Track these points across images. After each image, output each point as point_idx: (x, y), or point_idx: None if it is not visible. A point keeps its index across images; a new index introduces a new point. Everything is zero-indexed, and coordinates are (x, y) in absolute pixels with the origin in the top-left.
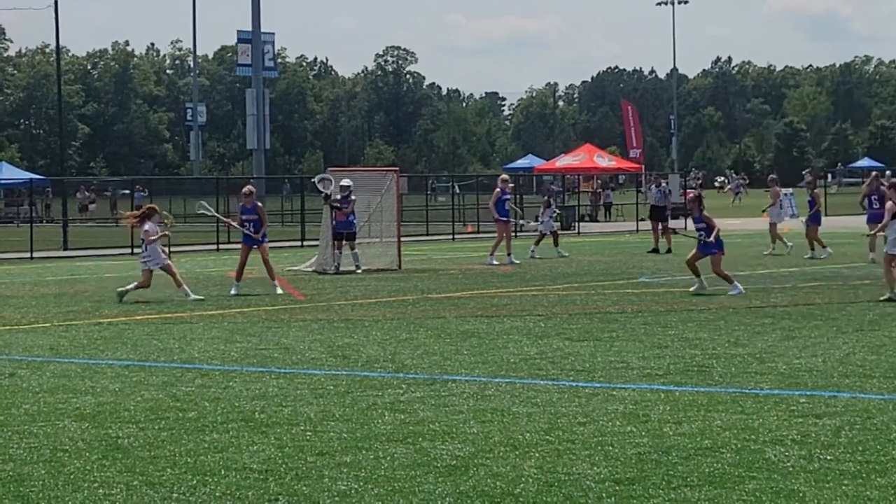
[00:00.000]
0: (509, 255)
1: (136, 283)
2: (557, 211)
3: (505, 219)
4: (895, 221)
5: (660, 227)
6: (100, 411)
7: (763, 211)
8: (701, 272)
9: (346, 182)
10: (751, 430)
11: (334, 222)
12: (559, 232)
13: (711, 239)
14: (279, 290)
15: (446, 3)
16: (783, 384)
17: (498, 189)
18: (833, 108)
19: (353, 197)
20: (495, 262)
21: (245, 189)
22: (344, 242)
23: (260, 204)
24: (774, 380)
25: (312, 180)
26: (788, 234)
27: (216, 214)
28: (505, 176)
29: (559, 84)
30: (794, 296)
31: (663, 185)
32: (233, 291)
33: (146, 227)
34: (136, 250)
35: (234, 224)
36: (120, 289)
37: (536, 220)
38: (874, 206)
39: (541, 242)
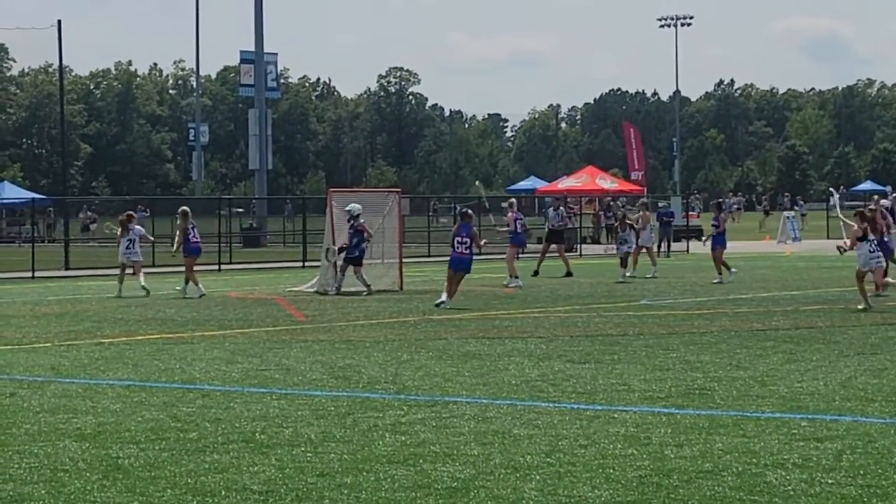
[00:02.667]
0: (516, 277)
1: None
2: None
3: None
4: (862, 244)
5: (552, 248)
6: (100, 431)
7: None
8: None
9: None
10: (752, 454)
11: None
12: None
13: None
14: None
15: (447, 22)
16: (785, 407)
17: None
18: (835, 131)
19: (361, 220)
20: (516, 284)
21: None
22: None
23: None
24: (776, 403)
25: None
26: (790, 258)
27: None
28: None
29: (561, 106)
30: (796, 319)
31: (561, 208)
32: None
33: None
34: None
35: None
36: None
37: (621, 242)
38: None
39: (637, 260)
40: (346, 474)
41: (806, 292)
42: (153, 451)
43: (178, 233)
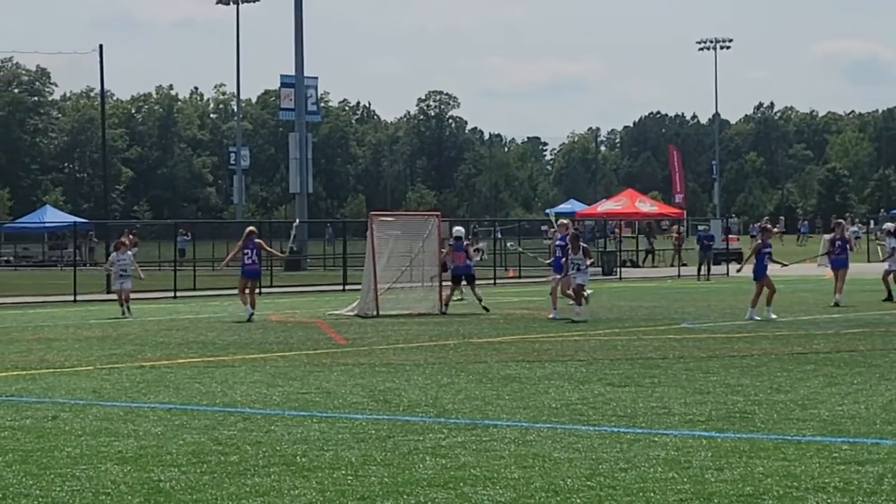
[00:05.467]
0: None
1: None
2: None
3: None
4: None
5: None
6: (142, 454)
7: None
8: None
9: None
10: (793, 477)
11: (452, 266)
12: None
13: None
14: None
15: (486, 47)
16: (826, 431)
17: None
18: (876, 153)
19: (465, 242)
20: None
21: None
22: (464, 283)
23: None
24: (817, 426)
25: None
26: (830, 281)
27: None
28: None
29: (601, 129)
30: (837, 342)
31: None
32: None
33: (111, 256)
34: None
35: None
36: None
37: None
38: (838, 253)
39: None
40: (387, 498)
41: (847, 315)
42: (194, 475)
43: (233, 250)
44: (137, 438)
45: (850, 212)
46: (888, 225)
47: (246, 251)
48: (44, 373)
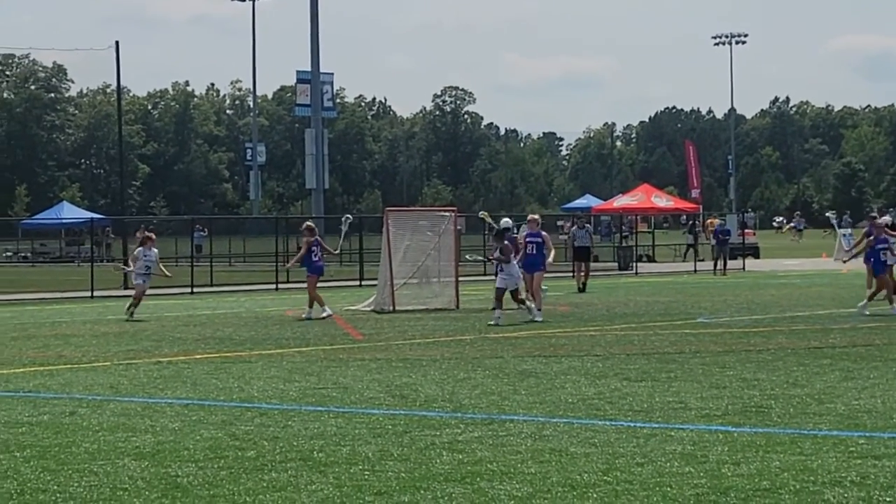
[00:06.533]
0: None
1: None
2: None
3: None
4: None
5: (582, 266)
6: (159, 450)
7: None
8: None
9: (507, 222)
10: (809, 472)
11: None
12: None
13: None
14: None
15: (501, 42)
16: (842, 425)
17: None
18: (891, 148)
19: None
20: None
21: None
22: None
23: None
24: (833, 421)
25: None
26: (847, 275)
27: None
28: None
29: (617, 124)
30: (853, 336)
31: (587, 226)
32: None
33: (136, 251)
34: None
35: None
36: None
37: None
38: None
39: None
40: (404, 493)
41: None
42: (212, 470)
43: (302, 248)
44: (155, 434)
45: (868, 206)
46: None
47: (314, 248)
48: (61, 368)
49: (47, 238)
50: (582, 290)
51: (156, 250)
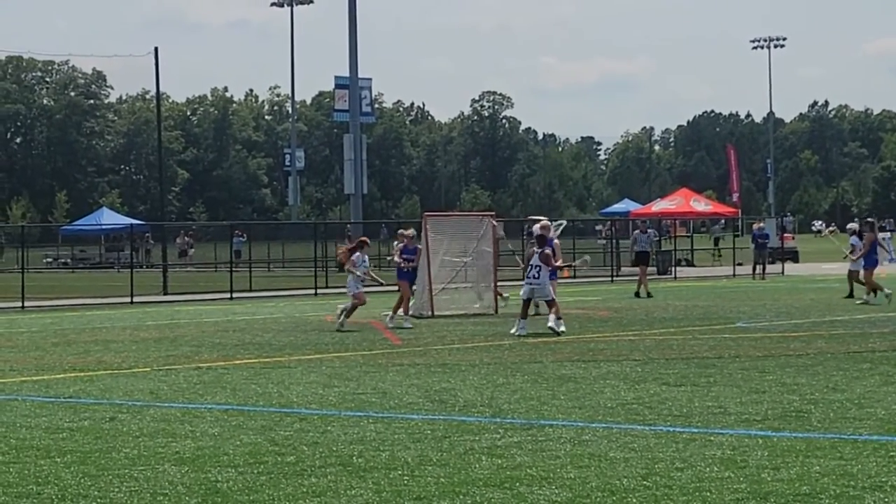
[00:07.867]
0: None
1: (343, 308)
2: None
3: None
4: None
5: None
6: (199, 455)
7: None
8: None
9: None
10: (850, 476)
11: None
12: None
13: None
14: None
15: (539, 46)
16: (882, 430)
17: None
18: None
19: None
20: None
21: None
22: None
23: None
24: (873, 425)
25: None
26: (886, 280)
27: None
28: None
29: (655, 128)
30: (893, 341)
31: (650, 231)
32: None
33: (353, 257)
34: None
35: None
36: (339, 320)
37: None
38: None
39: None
40: (443, 498)
41: None
42: (251, 475)
43: (395, 252)
44: (195, 439)
45: None
46: (852, 225)
47: (405, 255)
48: (101, 374)
49: (87, 244)
50: (648, 295)
51: (366, 257)
